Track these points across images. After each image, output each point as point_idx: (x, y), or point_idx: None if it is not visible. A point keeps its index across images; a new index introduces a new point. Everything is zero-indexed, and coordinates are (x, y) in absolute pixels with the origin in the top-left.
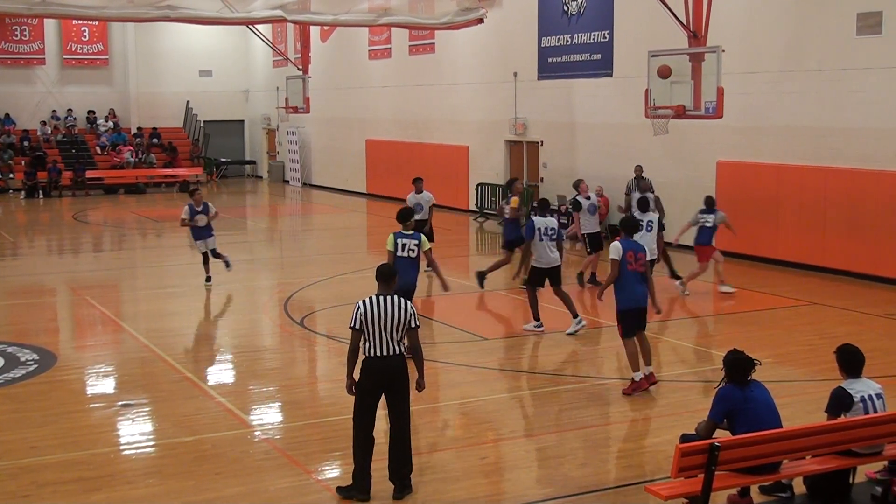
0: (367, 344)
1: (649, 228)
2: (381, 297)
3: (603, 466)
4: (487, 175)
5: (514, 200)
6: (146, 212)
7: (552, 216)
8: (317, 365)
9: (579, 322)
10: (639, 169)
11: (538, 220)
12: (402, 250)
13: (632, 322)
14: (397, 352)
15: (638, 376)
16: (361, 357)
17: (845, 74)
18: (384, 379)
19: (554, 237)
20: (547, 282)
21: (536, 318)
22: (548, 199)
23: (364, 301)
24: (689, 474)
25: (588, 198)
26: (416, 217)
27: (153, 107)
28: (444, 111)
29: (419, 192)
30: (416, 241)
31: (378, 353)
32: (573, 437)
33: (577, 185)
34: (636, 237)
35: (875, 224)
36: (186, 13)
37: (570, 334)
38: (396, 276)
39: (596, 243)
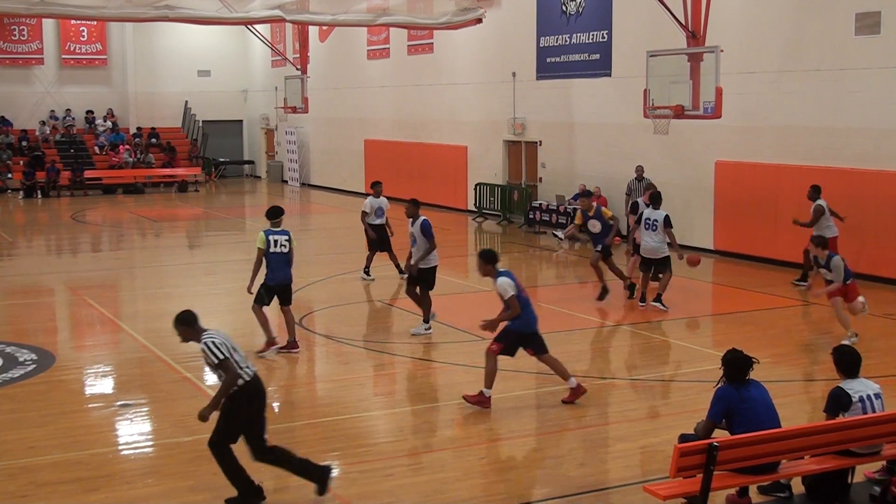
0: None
1: (654, 227)
2: (214, 331)
3: (601, 466)
4: (486, 175)
5: (608, 211)
6: (144, 212)
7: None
8: (315, 365)
9: (428, 329)
10: (640, 170)
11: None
12: (275, 246)
13: (515, 344)
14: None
15: (487, 392)
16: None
17: (844, 74)
18: (264, 396)
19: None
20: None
21: (427, 320)
22: (417, 202)
23: (213, 335)
24: (688, 474)
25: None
26: (376, 222)
27: (152, 107)
28: (442, 111)
29: (378, 196)
30: (287, 238)
31: (251, 375)
32: (572, 437)
33: (660, 199)
34: (646, 236)
35: (873, 224)
36: (185, 13)
37: (413, 334)
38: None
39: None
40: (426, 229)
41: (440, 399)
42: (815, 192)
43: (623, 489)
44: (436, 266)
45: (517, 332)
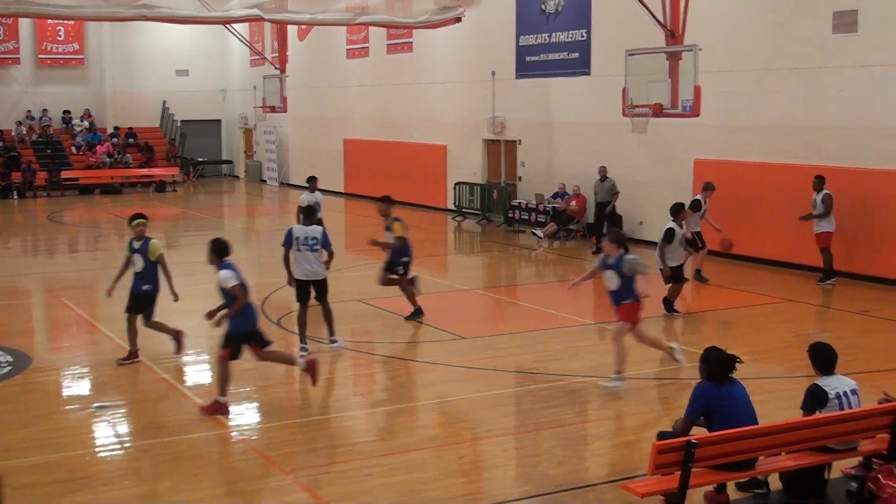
0: None
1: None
2: None
3: (580, 464)
4: (465, 174)
5: (398, 227)
6: (122, 212)
7: (320, 224)
8: (294, 365)
9: (335, 343)
10: (603, 170)
11: (296, 229)
12: None
13: (240, 345)
14: None
15: (222, 399)
16: None
17: (822, 73)
18: None
19: (316, 247)
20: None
21: (303, 341)
22: (315, 206)
23: None
24: (666, 471)
25: (681, 226)
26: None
27: (129, 106)
28: (422, 110)
29: (313, 191)
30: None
31: None
32: (550, 436)
33: (678, 212)
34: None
35: (853, 222)
36: (163, 12)
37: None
38: None
39: (678, 275)
40: (284, 240)
41: (419, 398)
42: (820, 181)
43: (602, 487)
44: (299, 279)
45: (238, 332)
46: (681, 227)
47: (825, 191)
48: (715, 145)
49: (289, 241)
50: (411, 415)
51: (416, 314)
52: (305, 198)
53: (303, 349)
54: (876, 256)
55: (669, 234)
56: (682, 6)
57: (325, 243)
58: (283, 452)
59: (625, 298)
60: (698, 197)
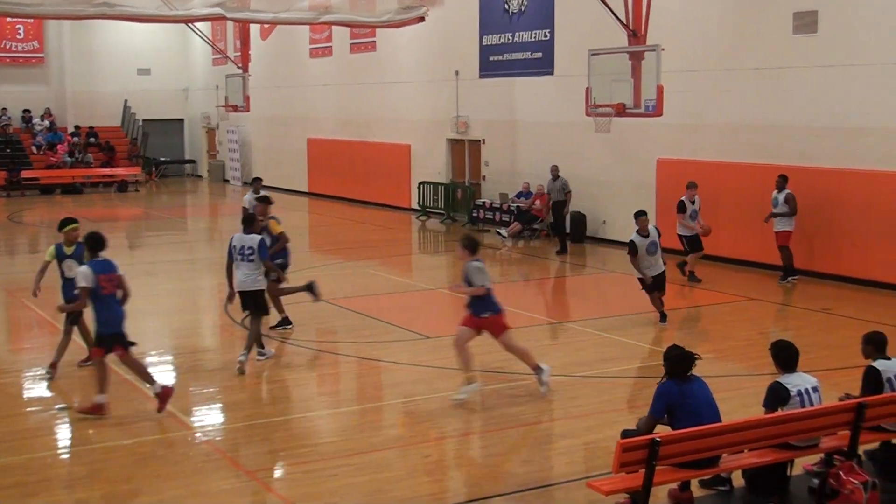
0: None
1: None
2: None
3: (545, 463)
4: (429, 174)
5: (273, 224)
6: (83, 212)
7: (263, 233)
8: (257, 365)
9: (241, 357)
10: (555, 169)
11: (235, 238)
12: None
13: (109, 345)
14: None
15: (101, 399)
16: None
17: (783, 73)
18: None
19: (251, 257)
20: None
21: (260, 346)
22: (255, 214)
23: None
24: (631, 469)
25: (647, 235)
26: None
27: (90, 106)
28: (385, 109)
29: (258, 192)
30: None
31: None
32: (515, 435)
33: (637, 217)
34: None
35: (812, 221)
36: (124, 11)
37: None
38: None
39: (659, 283)
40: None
41: (384, 398)
42: (783, 180)
43: (567, 485)
44: (237, 290)
45: (101, 334)
46: (645, 235)
47: (787, 190)
48: (677, 145)
49: (231, 252)
50: (376, 414)
51: (284, 322)
52: (248, 198)
53: (260, 353)
54: (835, 255)
55: (631, 248)
56: (644, 6)
57: (262, 254)
58: (248, 453)
59: (484, 310)
60: (683, 199)
